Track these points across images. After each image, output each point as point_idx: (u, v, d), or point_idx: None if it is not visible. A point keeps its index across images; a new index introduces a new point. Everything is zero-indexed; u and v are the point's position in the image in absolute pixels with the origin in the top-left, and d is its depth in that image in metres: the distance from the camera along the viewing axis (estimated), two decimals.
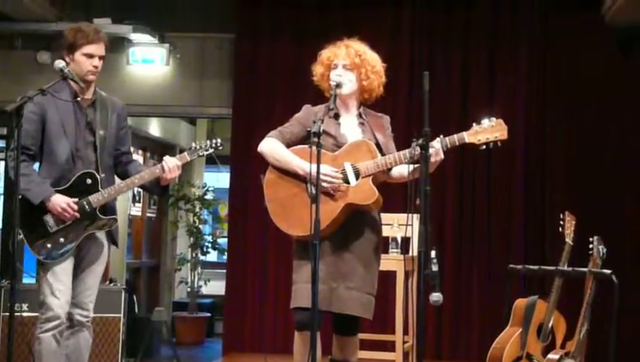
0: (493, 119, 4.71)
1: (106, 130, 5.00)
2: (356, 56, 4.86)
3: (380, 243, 4.95)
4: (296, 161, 4.81)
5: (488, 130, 4.69)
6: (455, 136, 4.68)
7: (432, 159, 4.55)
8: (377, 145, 4.85)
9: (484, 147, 4.72)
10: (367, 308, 4.82)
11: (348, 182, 4.75)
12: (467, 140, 4.68)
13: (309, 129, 4.53)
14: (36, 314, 4.96)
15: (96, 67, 4.95)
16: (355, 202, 4.73)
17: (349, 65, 4.86)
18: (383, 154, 4.81)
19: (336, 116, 4.90)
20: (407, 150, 4.68)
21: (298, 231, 4.77)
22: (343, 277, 4.75)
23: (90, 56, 4.93)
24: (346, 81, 4.84)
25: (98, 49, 4.96)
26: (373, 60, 4.91)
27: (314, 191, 4.63)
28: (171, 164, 4.98)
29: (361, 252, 4.80)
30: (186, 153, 5.07)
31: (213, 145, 5.10)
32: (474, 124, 4.71)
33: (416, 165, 4.63)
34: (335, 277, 4.72)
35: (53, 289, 4.82)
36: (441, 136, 4.64)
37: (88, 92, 4.98)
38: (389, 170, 4.82)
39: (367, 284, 4.81)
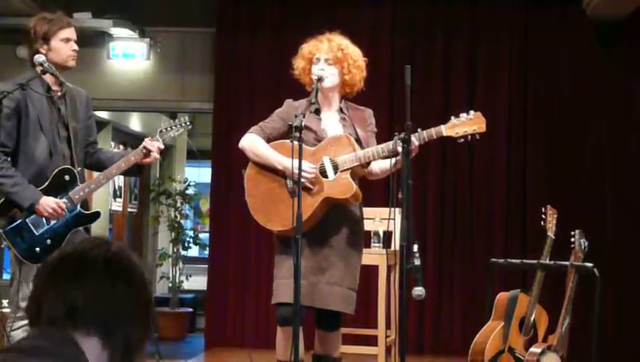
0: (472, 112, 4.71)
1: (77, 122, 4.88)
2: (338, 50, 4.85)
3: (360, 237, 4.95)
4: (275, 156, 4.82)
5: (466, 123, 4.69)
6: (432, 129, 4.67)
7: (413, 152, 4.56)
8: (358, 139, 4.85)
9: (462, 140, 4.72)
10: (349, 303, 4.82)
11: (326, 176, 4.74)
12: (445, 133, 4.67)
13: (290, 123, 4.53)
14: None
15: (75, 51, 4.87)
16: (333, 196, 4.73)
17: (331, 59, 4.85)
18: (363, 149, 4.81)
19: (317, 111, 4.90)
20: (384, 144, 4.69)
21: (276, 226, 4.80)
22: (323, 272, 4.75)
23: (67, 40, 4.84)
24: (328, 75, 4.83)
25: (72, 33, 4.87)
26: (355, 54, 4.90)
27: (291, 185, 4.73)
28: (154, 148, 4.90)
29: (340, 246, 4.80)
30: (157, 136, 4.96)
31: (183, 123, 5.05)
32: (452, 117, 4.71)
33: (396, 158, 4.65)
34: (315, 272, 4.72)
35: (27, 292, 4.73)
36: (419, 130, 4.64)
37: (57, 84, 4.84)
38: (368, 164, 4.82)
39: (348, 279, 4.80)
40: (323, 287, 4.73)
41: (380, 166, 4.87)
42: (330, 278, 4.74)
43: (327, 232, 4.78)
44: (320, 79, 4.77)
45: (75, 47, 4.87)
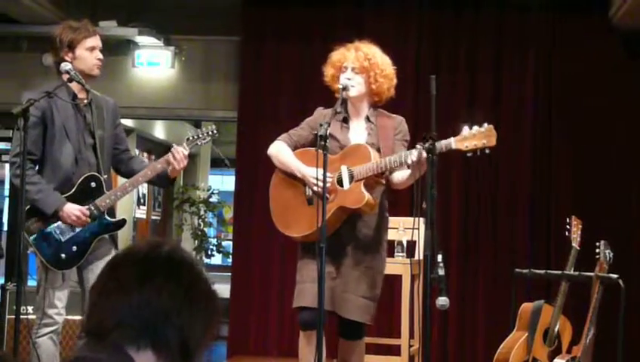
0: (485, 125, 4.63)
1: (103, 130, 4.91)
2: (365, 59, 4.85)
3: (380, 245, 4.95)
4: (296, 163, 4.89)
5: (477, 137, 4.58)
6: (442, 142, 4.58)
7: (416, 165, 4.57)
8: (379, 149, 4.84)
9: (470, 154, 4.66)
10: (364, 312, 4.82)
11: (342, 185, 4.76)
12: (454, 146, 4.58)
13: (316, 132, 4.55)
14: None
15: (100, 60, 4.89)
16: (346, 205, 4.75)
17: (358, 68, 4.86)
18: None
19: (345, 120, 4.92)
20: (397, 154, 4.70)
21: (293, 232, 4.89)
22: (340, 279, 4.77)
23: (93, 48, 4.86)
24: (355, 84, 4.84)
25: (98, 41, 4.90)
26: (384, 64, 4.90)
27: (310, 194, 4.81)
28: (179, 155, 4.90)
29: (357, 255, 4.82)
30: (184, 144, 4.97)
31: (210, 132, 5.05)
32: (464, 128, 4.63)
33: (407, 170, 4.69)
34: (333, 277, 4.75)
35: (53, 299, 4.76)
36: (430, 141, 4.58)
37: (83, 92, 4.88)
38: (383, 174, 4.81)
39: (363, 288, 4.81)
40: (340, 295, 4.77)
41: (402, 175, 4.85)
42: (345, 286, 4.78)
43: (344, 240, 4.80)
44: (345, 88, 4.78)
45: (100, 55, 4.89)
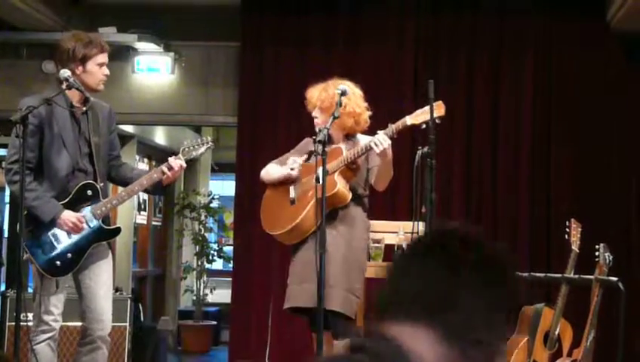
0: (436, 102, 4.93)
1: (99, 136, 4.91)
2: (323, 104, 5.22)
3: (359, 244, 5.21)
4: (279, 171, 5.31)
5: (427, 112, 4.91)
6: (399, 121, 5.00)
7: (378, 149, 4.90)
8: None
9: (424, 126, 4.93)
10: (347, 305, 5.03)
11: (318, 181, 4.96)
12: (409, 123, 4.97)
13: (314, 137, 4.89)
14: None
15: (107, 76, 4.92)
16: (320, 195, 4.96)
17: (319, 109, 5.26)
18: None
19: (330, 138, 5.14)
20: (361, 145, 5.06)
21: (275, 230, 5.28)
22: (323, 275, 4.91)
23: (102, 64, 4.89)
24: (320, 121, 5.22)
25: (106, 57, 4.94)
26: (345, 104, 5.14)
27: (293, 195, 5.26)
28: (176, 166, 4.92)
29: (337, 250, 5.04)
30: (180, 155, 4.99)
31: (205, 142, 5.07)
32: (418, 110, 4.97)
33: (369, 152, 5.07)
34: (314, 275, 4.88)
35: (49, 305, 4.76)
36: (389, 125, 4.98)
37: (81, 100, 4.88)
38: (354, 163, 5.13)
39: (345, 282, 5.04)
40: (323, 290, 4.87)
41: (376, 174, 5.18)
42: (327, 281, 4.91)
43: (325, 238, 4.93)
44: (344, 93, 4.95)
45: (107, 71, 4.93)
